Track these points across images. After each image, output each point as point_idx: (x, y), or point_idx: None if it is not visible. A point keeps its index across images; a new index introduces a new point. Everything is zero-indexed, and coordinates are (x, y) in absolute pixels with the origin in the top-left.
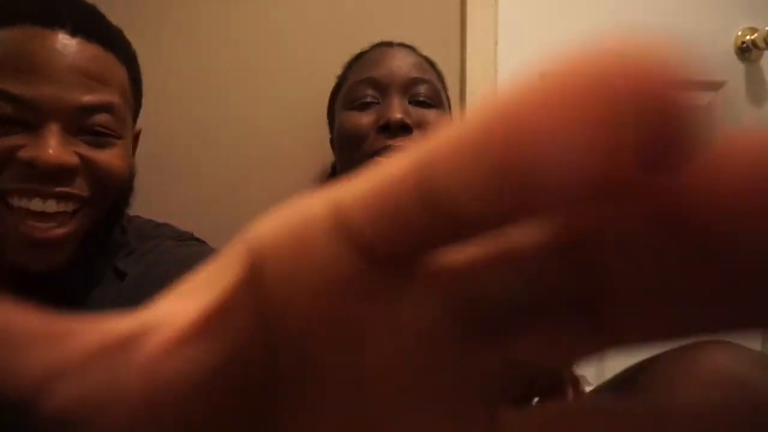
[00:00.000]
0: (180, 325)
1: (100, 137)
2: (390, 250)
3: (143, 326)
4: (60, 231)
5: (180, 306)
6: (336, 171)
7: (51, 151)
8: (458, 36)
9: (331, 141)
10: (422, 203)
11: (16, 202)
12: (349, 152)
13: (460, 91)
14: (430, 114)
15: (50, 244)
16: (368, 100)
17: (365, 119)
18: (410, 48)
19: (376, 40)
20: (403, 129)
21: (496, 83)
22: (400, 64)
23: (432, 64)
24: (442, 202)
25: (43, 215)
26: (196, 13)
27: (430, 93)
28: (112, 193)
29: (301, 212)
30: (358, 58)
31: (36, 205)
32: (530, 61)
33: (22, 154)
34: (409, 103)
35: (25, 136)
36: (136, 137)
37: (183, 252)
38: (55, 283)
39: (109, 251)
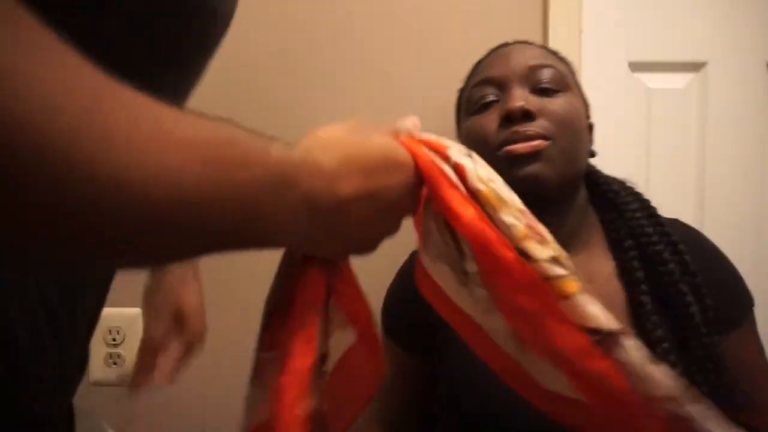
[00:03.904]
0: None
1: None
2: None
3: None
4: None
5: None
6: None
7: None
8: (540, 27)
9: None
10: None
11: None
12: (480, 155)
13: None
14: (555, 101)
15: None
16: (489, 99)
17: (488, 119)
18: (527, 42)
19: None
20: (525, 116)
21: (581, 71)
22: (517, 57)
23: (554, 52)
24: None
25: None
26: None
27: (553, 77)
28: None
29: None
30: (476, 66)
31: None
32: (615, 49)
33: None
34: (532, 92)
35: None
36: None
37: None
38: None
39: None
